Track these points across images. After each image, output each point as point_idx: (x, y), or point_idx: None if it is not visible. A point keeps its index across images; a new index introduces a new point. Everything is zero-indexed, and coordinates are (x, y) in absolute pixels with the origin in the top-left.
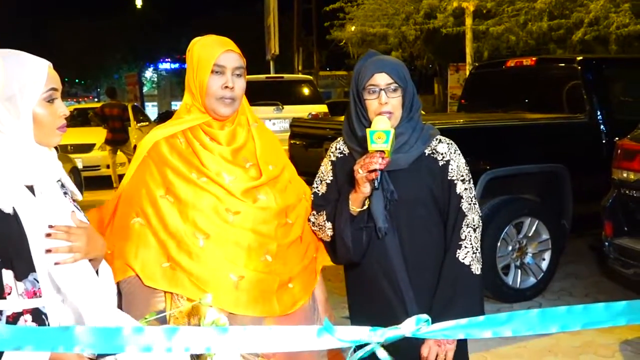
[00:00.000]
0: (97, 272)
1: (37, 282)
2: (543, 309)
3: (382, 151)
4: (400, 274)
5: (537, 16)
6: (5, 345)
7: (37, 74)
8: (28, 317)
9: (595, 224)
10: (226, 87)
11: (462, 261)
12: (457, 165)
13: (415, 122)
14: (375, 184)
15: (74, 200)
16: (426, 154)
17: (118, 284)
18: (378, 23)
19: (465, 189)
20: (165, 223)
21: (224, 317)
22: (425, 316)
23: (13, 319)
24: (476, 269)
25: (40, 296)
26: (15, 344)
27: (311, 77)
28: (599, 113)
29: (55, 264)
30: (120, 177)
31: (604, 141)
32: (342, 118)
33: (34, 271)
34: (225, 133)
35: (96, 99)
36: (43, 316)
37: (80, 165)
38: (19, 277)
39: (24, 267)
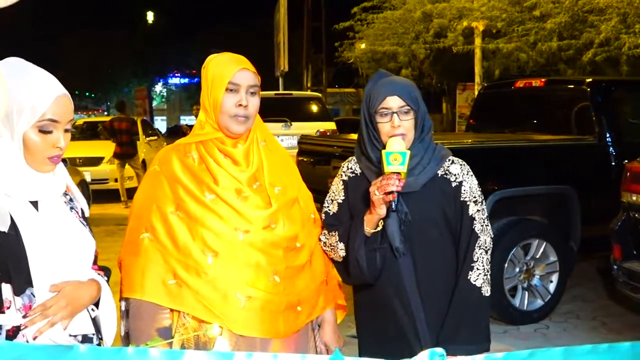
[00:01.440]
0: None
1: (34, 296)
2: (567, 347)
3: (399, 173)
4: (413, 295)
5: (546, 36)
6: None
7: (39, 101)
8: (27, 332)
9: (604, 246)
10: (240, 105)
11: (473, 283)
12: (470, 187)
13: (427, 143)
14: (393, 206)
15: (81, 214)
16: (439, 175)
17: (125, 298)
18: (388, 42)
19: (478, 210)
20: (174, 239)
21: (223, 344)
22: (440, 350)
23: (13, 333)
24: (486, 291)
25: None
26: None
27: (320, 94)
28: (608, 135)
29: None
30: (128, 190)
31: (613, 163)
32: (351, 136)
33: (32, 286)
34: (239, 151)
35: (106, 113)
36: None
37: (88, 178)
38: (17, 291)
39: (21, 281)
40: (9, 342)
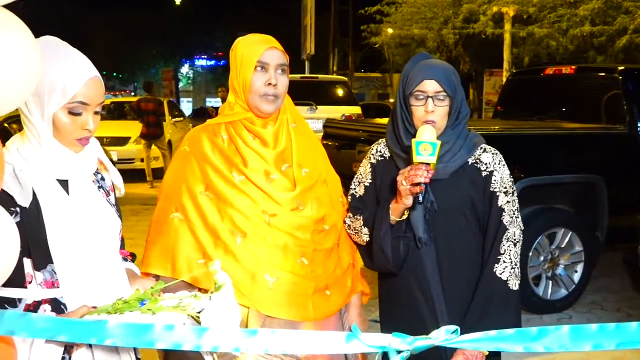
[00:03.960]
0: None
1: (55, 273)
2: (574, 325)
3: (428, 164)
4: (434, 286)
5: (578, 23)
6: (40, 334)
7: (71, 82)
8: (47, 307)
9: (631, 237)
10: (270, 84)
11: (499, 276)
12: (501, 177)
13: (460, 130)
14: (420, 198)
15: (111, 192)
16: (469, 163)
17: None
18: (417, 25)
19: (508, 202)
20: (205, 219)
21: (224, 277)
22: (454, 327)
23: (34, 308)
24: (514, 284)
25: (58, 287)
26: (50, 333)
27: (346, 79)
28: (639, 125)
29: None
30: (154, 171)
31: None
32: (376, 121)
33: (52, 262)
34: (269, 132)
35: (133, 93)
36: (62, 306)
37: (115, 158)
38: (38, 267)
39: (42, 257)
40: (42, 316)
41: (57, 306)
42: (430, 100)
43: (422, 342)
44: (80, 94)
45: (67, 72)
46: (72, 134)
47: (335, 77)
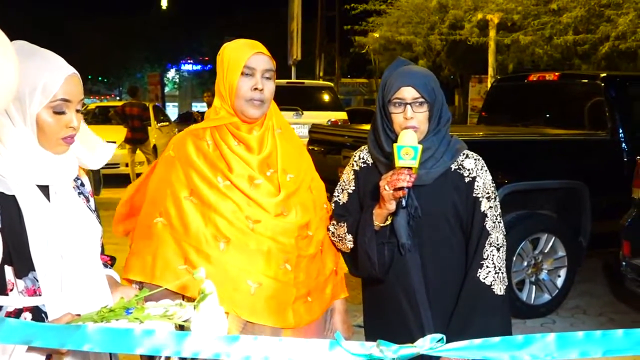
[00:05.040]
0: None
1: (37, 280)
2: (561, 333)
3: (410, 168)
4: (419, 292)
5: (562, 30)
6: (15, 338)
7: (50, 81)
8: (28, 315)
9: (613, 242)
10: (256, 88)
11: (482, 281)
12: (484, 182)
13: (442, 135)
14: (403, 203)
15: (90, 198)
16: (452, 169)
17: (128, 279)
18: (404, 30)
19: (490, 207)
20: (187, 225)
21: (210, 286)
22: (439, 335)
23: (15, 316)
24: (498, 289)
25: (40, 295)
26: (26, 337)
27: (332, 84)
28: (621, 131)
29: None
30: (139, 175)
31: (625, 159)
32: (362, 126)
33: (34, 270)
34: (253, 138)
35: (118, 98)
36: (43, 314)
37: None
38: (19, 274)
39: (23, 265)
40: (19, 321)
41: (38, 314)
42: (408, 106)
43: (407, 351)
44: (61, 91)
45: (45, 71)
46: (57, 132)
47: (321, 82)
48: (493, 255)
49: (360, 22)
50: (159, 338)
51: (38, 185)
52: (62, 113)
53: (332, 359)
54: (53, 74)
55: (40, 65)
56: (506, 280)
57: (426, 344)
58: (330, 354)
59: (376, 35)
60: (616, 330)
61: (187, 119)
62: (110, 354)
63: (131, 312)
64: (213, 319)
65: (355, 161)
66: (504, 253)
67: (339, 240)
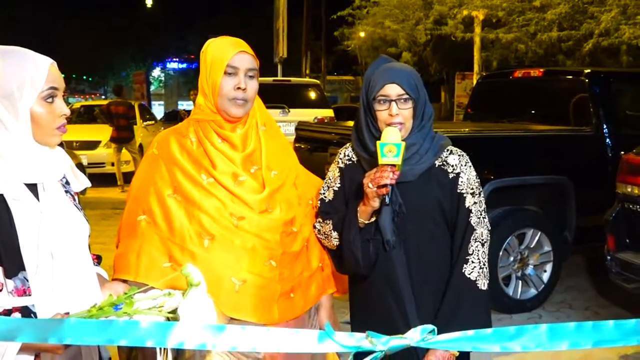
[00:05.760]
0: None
1: (27, 280)
2: (552, 324)
3: (393, 165)
4: (405, 288)
5: (546, 27)
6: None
7: (36, 73)
8: (17, 315)
9: (598, 237)
10: (238, 88)
11: (468, 276)
12: (468, 178)
13: (426, 131)
14: (386, 200)
15: (76, 197)
16: (436, 165)
17: (117, 279)
18: (390, 24)
19: (475, 202)
20: (171, 222)
21: (198, 275)
22: (430, 326)
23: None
24: (482, 284)
25: (29, 295)
26: (8, 334)
27: (318, 82)
28: (605, 126)
29: None
30: (124, 174)
31: (609, 155)
32: (349, 123)
33: (24, 270)
34: (237, 135)
35: (103, 97)
36: (32, 315)
37: (85, 162)
38: (9, 275)
39: (13, 265)
40: (1, 317)
41: (27, 315)
42: (393, 103)
43: (397, 342)
44: (49, 80)
45: (27, 65)
46: (51, 122)
47: (307, 79)
48: (478, 250)
49: (346, 18)
50: (143, 329)
51: (26, 184)
52: (53, 101)
53: (322, 350)
54: (36, 65)
55: (21, 61)
56: (489, 275)
57: (417, 335)
58: (320, 346)
59: (361, 35)
60: (607, 321)
61: (174, 117)
62: (99, 348)
63: (120, 308)
64: (201, 307)
65: (340, 158)
66: (487, 248)
67: (325, 237)
